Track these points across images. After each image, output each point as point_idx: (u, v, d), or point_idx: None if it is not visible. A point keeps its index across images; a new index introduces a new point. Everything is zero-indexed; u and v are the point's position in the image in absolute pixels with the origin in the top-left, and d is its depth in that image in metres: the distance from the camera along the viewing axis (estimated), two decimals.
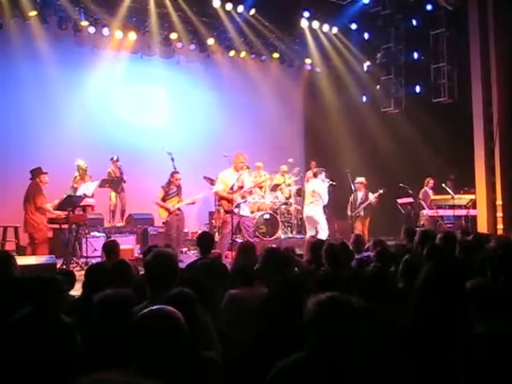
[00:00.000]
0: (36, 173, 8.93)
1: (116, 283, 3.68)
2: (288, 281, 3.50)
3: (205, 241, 5.51)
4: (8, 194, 10.35)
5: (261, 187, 11.53)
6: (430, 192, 11.51)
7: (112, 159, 11.39)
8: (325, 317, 2.14)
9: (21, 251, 8.97)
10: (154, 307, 2.15)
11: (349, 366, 2.11)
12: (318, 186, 9.58)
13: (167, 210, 9.46)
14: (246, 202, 8.92)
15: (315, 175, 9.95)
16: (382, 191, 10.97)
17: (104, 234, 10.12)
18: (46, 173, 9.00)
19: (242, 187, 8.83)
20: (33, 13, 10.49)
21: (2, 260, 4.31)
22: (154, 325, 2.06)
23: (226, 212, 8.79)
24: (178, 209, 9.58)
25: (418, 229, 6.86)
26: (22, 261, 6.17)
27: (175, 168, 9.81)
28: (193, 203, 9.99)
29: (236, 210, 8.65)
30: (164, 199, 9.53)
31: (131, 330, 2.08)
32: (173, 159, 9.89)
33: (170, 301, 2.37)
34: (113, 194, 11.45)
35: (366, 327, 2.17)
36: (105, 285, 3.43)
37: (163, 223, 9.73)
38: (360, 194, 11.14)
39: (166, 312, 2.12)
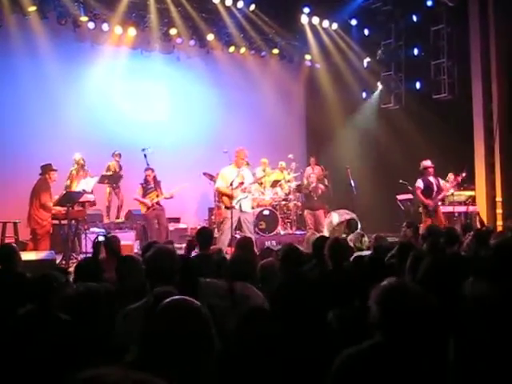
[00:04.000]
0: (46, 169, 8.99)
1: (122, 278, 3.69)
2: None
3: (203, 236, 5.47)
4: (7, 190, 10.33)
5: (261, 183, 11.53)
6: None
7: (113, 154, 11.40)
8: (394, 304, 2.10)
9: (20, 247, 8.95)
10: (175, 297, 2.12)
11: (418, 355, 2.07)
12: None
13: (145, 204, 9.91)
14: (247, 197, 8.91)
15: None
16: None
17: (103, 230, 10.12)
18: (55, 170, 9.06)
19: (242, 183, 8.83)
20: (32, 8, 10.47)
21: (7, 254, 4.36)
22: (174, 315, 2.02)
23: (227, 208, 8.79)
24: (158, 203, 9.95)
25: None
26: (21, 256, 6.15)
27: (148, 165, 10.14)
28: (171, 197, 10.20)
29: (237, 206, 8.65)
30: (144, 195, 9.98)
31: (153, 322, 2.07)
32: (145, 155, 10.16)
33: (156, 299, 2.36)
34: (107, 190, 11.45)
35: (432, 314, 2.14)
36: (92, 281, 3.43)
37: (143, 217, 10.14)
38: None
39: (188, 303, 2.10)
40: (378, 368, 2.05)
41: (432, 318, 2.11)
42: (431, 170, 9.57)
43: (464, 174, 9.73)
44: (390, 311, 2.10)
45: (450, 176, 11.24)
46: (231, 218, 8.57)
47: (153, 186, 10.02)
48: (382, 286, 2.18)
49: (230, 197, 8.70)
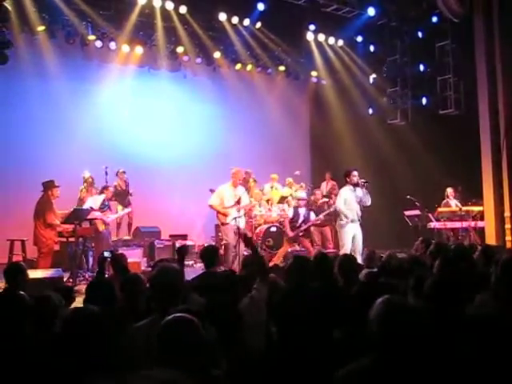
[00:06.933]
0: (48, 186, 8.86)
1: (127, 296, 3.67)
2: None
3: (208, 254, 5.45)
4: (16, 207, 10.38)
5: (267, 200, 11.59)
6: (453, 203, 11.07)
7: (118, 172, 11.44)
8: (388, 323, 2.13)
9: (27, 265, 8.94)
10: (177, 314, 2.37)
11: (414, 370, 2.09)
12: None
13: (104, 222, 9.61)
14: (241, 216, 8.93)
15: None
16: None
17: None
18: (58, 186, 8.93)
19: (238, 202, 8.90)
20: (41, 28, 10.59)
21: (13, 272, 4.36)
22: (177, 330, 2.27)
23: (222, 225, 9.01)
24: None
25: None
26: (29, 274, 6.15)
27: (107, 182, 10.08)
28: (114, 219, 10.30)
29: (233, 223, 8.72)
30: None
31: (158, 336, 2.29)
32: (106, 173, 10.16)
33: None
34: (119, 208, 11.45)
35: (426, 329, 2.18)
36: (108, 301, 3.41)
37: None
38: None
39: (188, 319, 2.34)
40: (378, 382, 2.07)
41: (425, 334, 2.14)
42: (304, 201, 10.15)
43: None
44: (388, 328, 2.13)
45: (448, 190, 11.20)
46: (234, 235, 8.69)
47: (107, 204, 9.83)
48: (380, 303, 2.21)
49: (224, 214, 8.85)
